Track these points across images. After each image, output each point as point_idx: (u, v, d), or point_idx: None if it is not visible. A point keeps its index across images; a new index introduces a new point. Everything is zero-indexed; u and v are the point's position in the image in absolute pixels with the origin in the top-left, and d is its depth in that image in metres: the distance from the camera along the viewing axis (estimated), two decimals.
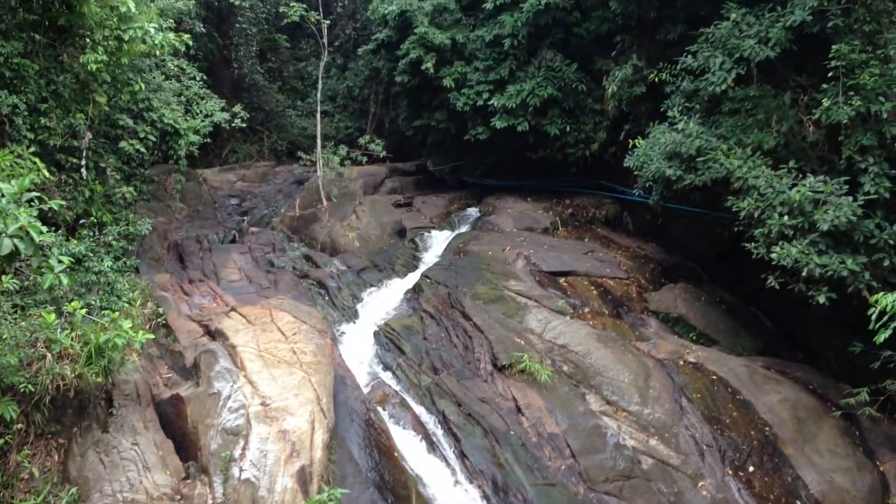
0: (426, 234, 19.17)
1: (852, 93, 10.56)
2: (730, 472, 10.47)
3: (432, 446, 10.41)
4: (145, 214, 15.13)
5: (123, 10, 11.59)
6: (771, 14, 11.78)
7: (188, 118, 15.63)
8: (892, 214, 10.33)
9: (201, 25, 24.00)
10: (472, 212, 21.16)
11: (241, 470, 8.45)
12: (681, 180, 12.63)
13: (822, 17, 11.02)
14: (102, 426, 9.00)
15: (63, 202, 10.06)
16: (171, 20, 16.61)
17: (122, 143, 13.47)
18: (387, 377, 11.99)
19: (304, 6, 20.59)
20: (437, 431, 10.73)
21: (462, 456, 10.23)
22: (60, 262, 7.00)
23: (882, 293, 8.74)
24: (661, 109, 14.01)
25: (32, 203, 7.05)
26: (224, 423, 9.03)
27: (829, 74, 10.83)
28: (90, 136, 12.34)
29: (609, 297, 14.80)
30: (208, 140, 18.08)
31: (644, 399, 11.27)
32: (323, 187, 19.43)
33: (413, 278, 15.64)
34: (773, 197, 10.85)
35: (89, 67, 11.30)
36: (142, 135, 13.86)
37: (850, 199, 10.17)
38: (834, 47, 10.69)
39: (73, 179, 12.05)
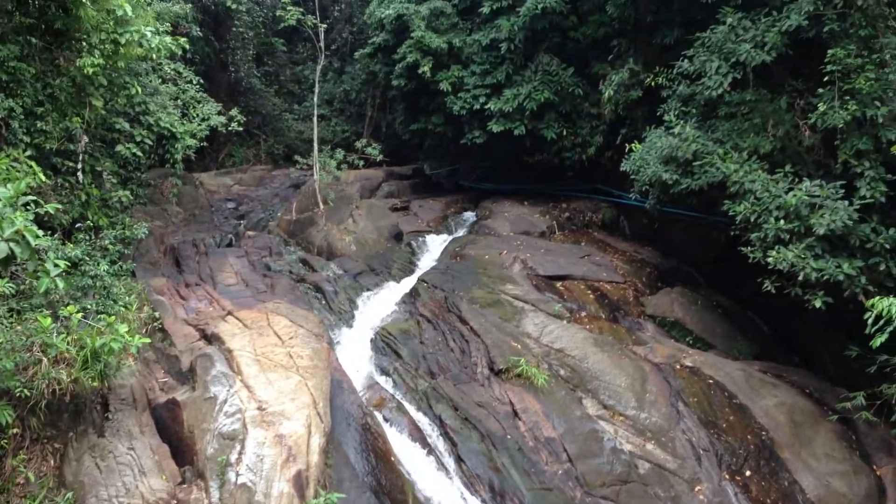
0: (423, 238, 19.11)
1: (848, 97, 10.60)
2: (726, 476, 10.48)
3: (429, 451, 10.38)
4: (142, 218, 15.08)
5: (120, 13, 11.57)
6: (767, 18, 11.82)
7: (185, 122, 15.59)
8: (888, 218, 10.37)
9: (198, 29, 24.06)
10: (469, 216, 21.17)
11: (237, 474, 8.42)
12: (677, 184, 12.66)
13: (818, 22, 11.06)
14: (98, 431, 8.97)
15: (59, 206, 10.00)
16: (168, 24, 16.65)
17: (119, 147, 13.44)
18: (383, 381, 11.94)
19: (301, 10, 20.57)
20: (434, 435, 10.69)
21: (459, 460, 10.21)
22: (56, 265, 7.01)
23: (878, 297, 8.81)
24: (658, 113, 14.02)
25: (28, 207, 7.06)
26: (220, 428, 9.01)
27: (825, 79, 10.87)
28: (86, 140, 12.30)
29: (606, 301, 14.82)
30: (205, 144, 18.04)
31: (641, 403, 11.28)
32: (320, 191, 19.40)
33: (410, 282, 15.62)
34: (769, 201, 10.89)
35: (86, 71, 11.28)
36: (138, 138, 13.84)
37: (846, 203, 10.21)
38: (830, 52, 10.73)
39: (69, 183, 12.02)
